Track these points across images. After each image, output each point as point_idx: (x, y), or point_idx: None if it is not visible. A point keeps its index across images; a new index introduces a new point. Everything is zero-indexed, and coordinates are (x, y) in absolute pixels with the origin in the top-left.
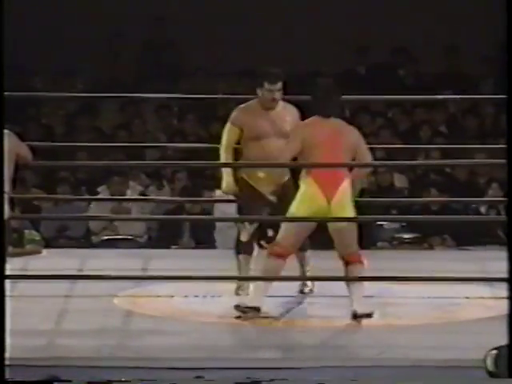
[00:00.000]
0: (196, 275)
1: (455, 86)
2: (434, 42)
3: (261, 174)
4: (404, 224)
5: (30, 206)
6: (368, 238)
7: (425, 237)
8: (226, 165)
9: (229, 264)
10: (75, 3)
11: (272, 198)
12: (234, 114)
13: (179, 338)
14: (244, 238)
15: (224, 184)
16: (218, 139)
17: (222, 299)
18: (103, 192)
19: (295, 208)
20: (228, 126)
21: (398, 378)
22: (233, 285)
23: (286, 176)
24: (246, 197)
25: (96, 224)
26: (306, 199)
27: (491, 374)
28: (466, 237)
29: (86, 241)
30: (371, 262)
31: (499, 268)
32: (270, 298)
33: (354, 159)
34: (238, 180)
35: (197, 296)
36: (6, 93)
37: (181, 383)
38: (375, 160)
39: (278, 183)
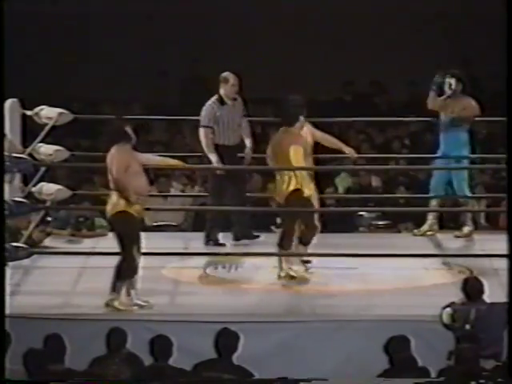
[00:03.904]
0: (223, 252)
1: (416, 111)
2: (400, 76)
3: None
4: (379, 213)
5: (99, 201)
6: (351, 225)
7: (394, 223)
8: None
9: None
10: (132, 48)
11: None
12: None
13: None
14: None
15: None
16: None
17: (242, 269)
18: (153, 190)
19: None
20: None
21: (374, 331)
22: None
23: None
24: None
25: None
26: None
27: (447, 327)
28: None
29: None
30: (355, 242)
31: (451, 245)
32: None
33: None
34: None
35: (224, 267)
36: (80, 115)
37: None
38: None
39: None
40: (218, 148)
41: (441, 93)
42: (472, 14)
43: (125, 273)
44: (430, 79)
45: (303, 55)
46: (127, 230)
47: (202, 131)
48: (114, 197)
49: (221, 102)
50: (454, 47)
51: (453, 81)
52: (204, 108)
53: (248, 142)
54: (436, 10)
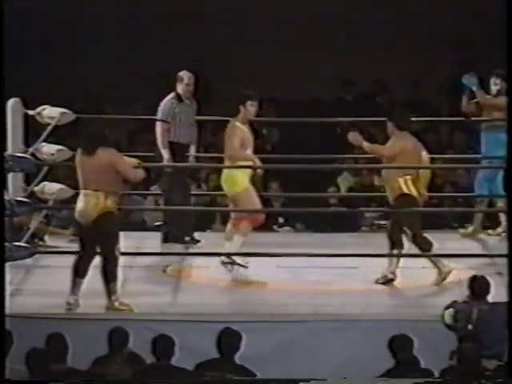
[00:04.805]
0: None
1: (418, 110)
2: (403, 76)
3: None
4: (381, 213)
5: None
6: (353, 224)
7: None
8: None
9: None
10: (131, 49)
11: None
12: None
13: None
14: None
15: None
16: None
17: (244, 269)
18: (155, 190)
19: None
20: None
21: (375, 330)
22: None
23: None
24: None
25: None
26: None
27: (449, 327)
28: (425, 222)
29: (142, 225)
30: (357, 241)
31: (450, 245)
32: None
33: None
34: None
35: (226, 267)
36: (82, 115)
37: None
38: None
39: None
40: (170, 145)
41: (472, 94)
42: (472, 14)
43: (115, 273)
44: (429, 79)
45: (304, 55)
46: (114, 230)
47: (159, 126)
48: (96, 197)
49: (179, 99)
50: (454, 47)
51: (498, 81)
52: (162, 103)
53: (193, 150)
54: (436, 10)
